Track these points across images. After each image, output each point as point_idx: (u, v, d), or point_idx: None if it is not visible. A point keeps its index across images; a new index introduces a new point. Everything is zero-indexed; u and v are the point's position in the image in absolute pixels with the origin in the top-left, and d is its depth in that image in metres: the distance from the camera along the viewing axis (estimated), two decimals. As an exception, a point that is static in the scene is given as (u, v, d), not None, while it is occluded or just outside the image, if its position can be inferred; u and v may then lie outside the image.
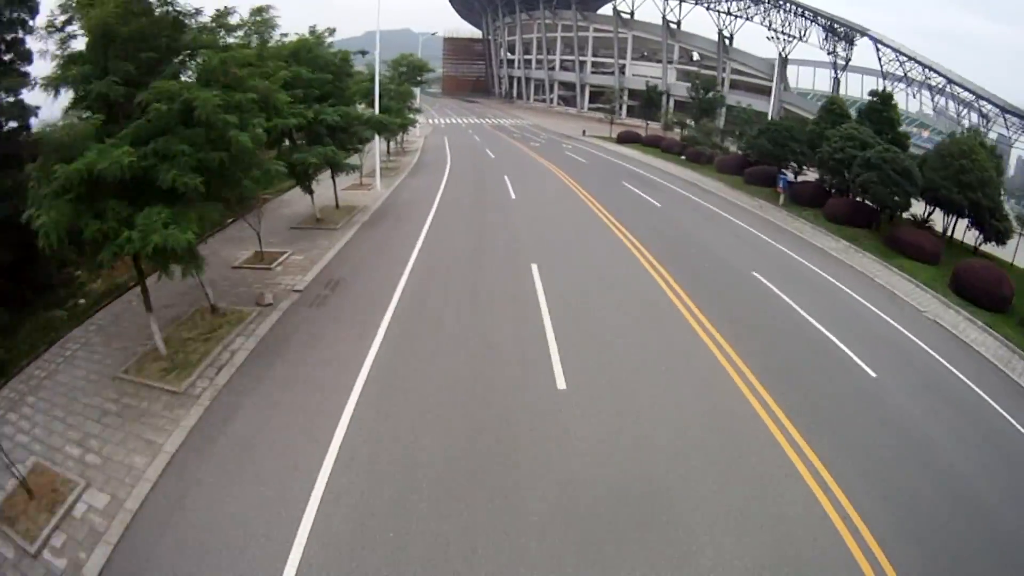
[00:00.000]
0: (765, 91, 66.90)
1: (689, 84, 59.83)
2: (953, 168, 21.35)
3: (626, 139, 50.42)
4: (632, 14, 78.33)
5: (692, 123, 46.98)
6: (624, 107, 76.65)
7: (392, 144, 38.28)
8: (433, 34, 67.86)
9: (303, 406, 8.93)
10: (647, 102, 58.30)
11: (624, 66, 78.12)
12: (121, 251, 7.90)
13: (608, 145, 48.32)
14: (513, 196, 25.03)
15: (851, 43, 55.89)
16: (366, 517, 6.77)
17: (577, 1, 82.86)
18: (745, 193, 30.65)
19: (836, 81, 58.52)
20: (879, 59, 55.70)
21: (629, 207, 24.23)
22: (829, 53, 56.49)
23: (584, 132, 55.91)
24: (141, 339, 11.07)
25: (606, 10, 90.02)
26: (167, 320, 12.00)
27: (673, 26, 72.00)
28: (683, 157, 41.87)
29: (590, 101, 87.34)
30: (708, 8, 67.82)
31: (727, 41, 66.57)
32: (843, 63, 57.37)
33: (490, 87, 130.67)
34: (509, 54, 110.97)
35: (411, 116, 34.03)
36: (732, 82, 67.83)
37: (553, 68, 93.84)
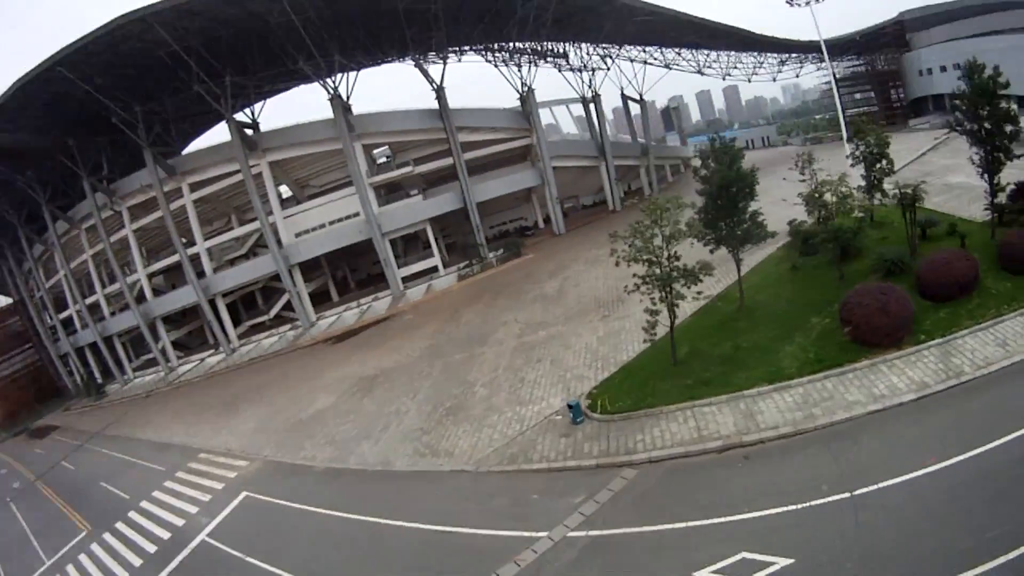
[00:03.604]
0: (515, 157, 54.02)
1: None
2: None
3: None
4: (256, 126, 57.95)
5: None
6: (303, 300, 55.40)
7: None
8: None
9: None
10: None
11: (275, 227, 54.09)
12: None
13: None
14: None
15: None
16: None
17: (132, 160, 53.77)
18: None
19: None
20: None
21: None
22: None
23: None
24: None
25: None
26: None
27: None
28: None
29: (235, 319, 61.28)
30: (415, 58, 55.67)
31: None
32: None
33: (58, 381, 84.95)
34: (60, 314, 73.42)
35: None
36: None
37: (143, 298, 60.91)
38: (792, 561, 12.79)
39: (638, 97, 76.93)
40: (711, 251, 25.89)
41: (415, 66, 57.32)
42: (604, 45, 69.04)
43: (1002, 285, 21.07)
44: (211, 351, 58.24)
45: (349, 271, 71.67)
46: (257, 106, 59.73)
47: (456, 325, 40.68)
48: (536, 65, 63.80)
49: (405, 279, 55.32)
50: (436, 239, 57.82)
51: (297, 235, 54.89)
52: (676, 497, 16.04)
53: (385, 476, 23.50)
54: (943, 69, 65.14)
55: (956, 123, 23.98)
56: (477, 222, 56.21)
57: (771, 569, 12.76)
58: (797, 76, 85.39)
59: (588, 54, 68.64)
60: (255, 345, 55.68)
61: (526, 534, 16.50)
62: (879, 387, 18.18)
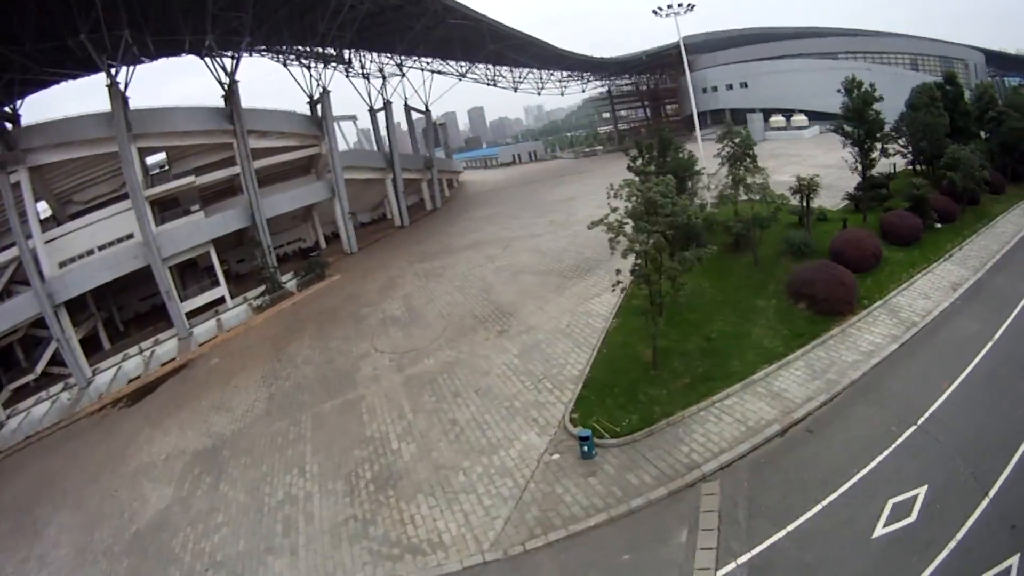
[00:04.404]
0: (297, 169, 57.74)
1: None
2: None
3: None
4: (16, 119, 44.11)
5: None
6: (75, 350, 41.65)
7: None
8: None
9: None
10: None
11: (36, 254, 40.91)
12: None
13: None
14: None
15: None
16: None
17: None
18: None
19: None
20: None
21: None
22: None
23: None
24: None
25: None
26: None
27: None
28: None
29: None
30: (207, 50, 46.99)
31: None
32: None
33: None
34: None
35: None
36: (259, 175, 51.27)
37: None
38: (927, 486, 14.64)
39: (424, 108, 77.00)
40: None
41: (204, 57, 48.25)
42: (402, 56, 67.80)
43: (897, 255, 26.16)
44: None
45: (116, 309, 56.89)
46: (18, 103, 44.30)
47: (292, 366, 32.40)
48: (327, 67, 58.79)
49: (189, 315, 45.46)
50: (218, 264, 49.32)
51: (62, 264, 41.43)
52: (783, 488, 15.69)
53: (355, 603, 15.90)
54: (729, 87, 75.72)
55: (837, 127, 29.59)
56: (268, 242, 49.17)
57: (921, 498, 14.35)
58: (583, 91, 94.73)
59: (383, 61, 66.86)
60: (25, 416, 39.55)
61: (668, 601, 14.00)
62: (863, 346, 20.87)
